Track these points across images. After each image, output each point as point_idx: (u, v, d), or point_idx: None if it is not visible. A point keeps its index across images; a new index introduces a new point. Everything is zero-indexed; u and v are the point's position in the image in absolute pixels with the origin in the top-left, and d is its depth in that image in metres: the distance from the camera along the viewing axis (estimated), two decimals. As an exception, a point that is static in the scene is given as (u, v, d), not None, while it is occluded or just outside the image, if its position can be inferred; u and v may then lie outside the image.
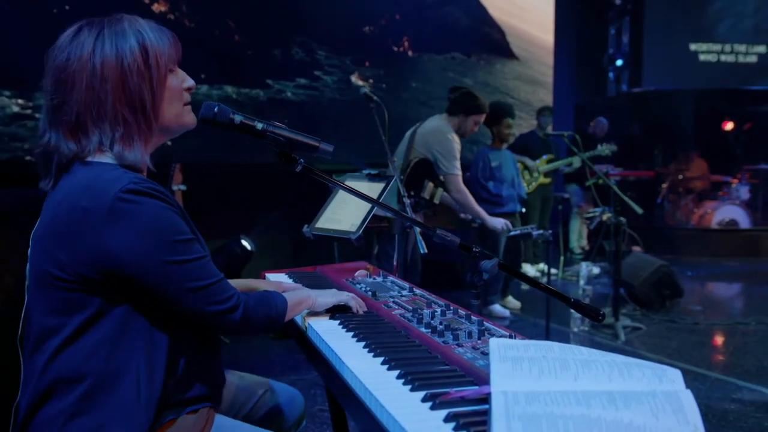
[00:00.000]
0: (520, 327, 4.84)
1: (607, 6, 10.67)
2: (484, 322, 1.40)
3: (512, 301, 5.35)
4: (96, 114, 1.21)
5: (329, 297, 1.57)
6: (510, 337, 1.30)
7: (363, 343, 1.32)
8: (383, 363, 1.19)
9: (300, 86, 5.91)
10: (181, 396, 1.27)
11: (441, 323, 1.40)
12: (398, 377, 1.12)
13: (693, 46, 10.25)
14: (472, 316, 1.46)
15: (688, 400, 0.88)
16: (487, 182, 4.95)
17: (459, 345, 1.27)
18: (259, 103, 5.60)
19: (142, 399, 1.20)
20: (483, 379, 1.09)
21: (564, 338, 4.52)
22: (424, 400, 1.01)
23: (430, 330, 1.37)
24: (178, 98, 1.32)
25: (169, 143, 1.53)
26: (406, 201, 2.99)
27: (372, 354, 1.25)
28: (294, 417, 1.69)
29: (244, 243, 4.76)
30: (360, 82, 6.30)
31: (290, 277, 2.07)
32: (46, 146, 1.24)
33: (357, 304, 1.58)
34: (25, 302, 1.27)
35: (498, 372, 0.98)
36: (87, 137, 1.22)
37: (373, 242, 4.61)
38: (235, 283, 1.74)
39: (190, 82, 1.35)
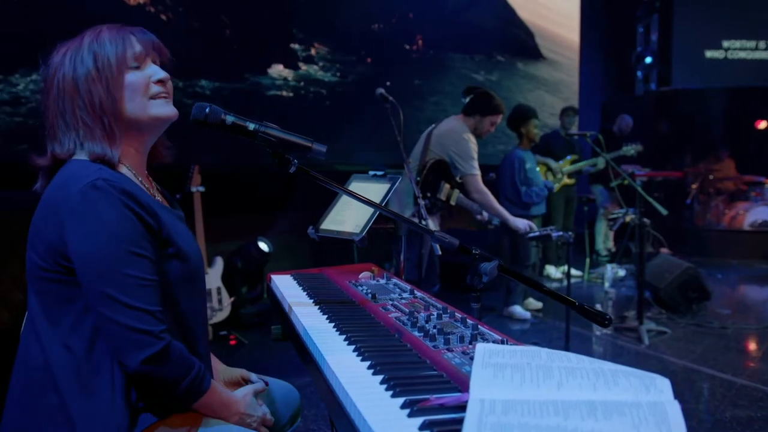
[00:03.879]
0: (540, 329, 4.77)
1: (635, 3, 10.46)
2: (479, 326, 1.36)
3: (533, 303, 5.28)
4: (63, 124, 1.32)
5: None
6: (502, 342, 1.26)
7: (353, 347, 1.29)
8: (369, 367, 1.17)
9: (289, 80, 5.75)
10: (161, 400, 1.26)
11: (435, 327, 1.36)
12: (381, 382, 1.09)
13: (725, 43, 9.98)
14: (468, 320, 1.43)
15: (674, 412, 0.84)
16: (522, 186, 4.95)
17: (449, 350, 1.24)
18: (242, 98, 5.45)
19: (116, 400, 1.20)
20: (468, 386, 1.05)
21: (586, 341, 4.43)
22: (403, 406, 0.98)
23: (422, 334, 1.34)
24: (142, 92, 1.34)
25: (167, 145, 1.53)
26: (421, 202, 2.96)
27: (360, 358, 1.23)
28: (289, 414, 1.68)
29: (261, 245, 4.78)
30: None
31: (295, 279, 2.06)
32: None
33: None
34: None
35: (478, 379, 0.95)
36: (60, 144, 1.32)
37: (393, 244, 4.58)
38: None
39: (160, 74, 1.36)
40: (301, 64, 5.86)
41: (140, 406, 1.24)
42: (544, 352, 1.03)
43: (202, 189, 4.20)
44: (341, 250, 4.76)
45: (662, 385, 0.90)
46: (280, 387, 1.69)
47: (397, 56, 6.81)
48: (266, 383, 1.61)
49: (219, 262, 4.35)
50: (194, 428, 1.28)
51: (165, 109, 1.37)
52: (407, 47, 6.90)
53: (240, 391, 1.45)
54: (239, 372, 1.67)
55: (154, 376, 1.21)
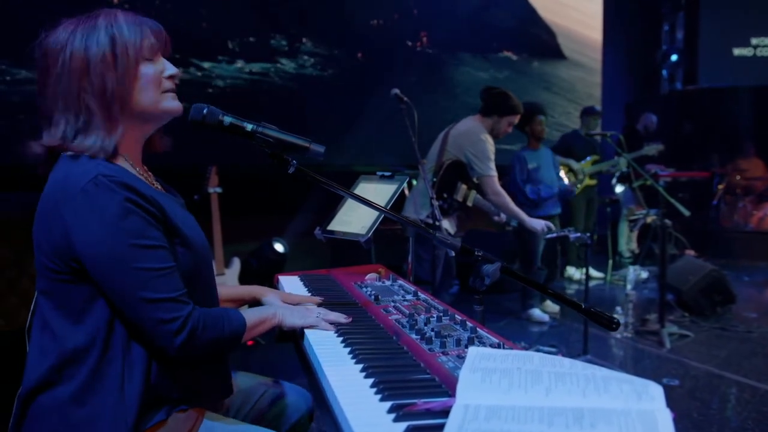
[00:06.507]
0: (559, 332, 4.70)
1: (660, 1, 10.26)
2: (477, 330, 1.34)
3: (551, 305, 5.20)
4: (63, 104, 1.26)
5: (297, 318, 1.48)
6: (498, 345, 1.24)
7: (349, 349, 1.28)
8: (362, 370, 1.15)
9: (251, 73, 5.48)
10: (168, 394, 1.27)
11: (432, 329, 1.35)
12: (372, 385, 1.07)
13: (754, 41, 9.74)
14: (468, 323, 1.40)
15: (664, 420, 0.81)
16: (525, 185, 4.87)
17: (444, 353, 1.22)
18: (226, 94, 5.23)
19: (125, 395, 1.21)
20: (459, 390, 1.03)
21: (605, 344, 4.36)
22: (390, 410, 0.96)
23: (419, 336, 1.32)
24: (155, 86, 1.33)
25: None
26: (435, 203, 2.93)
27: (354, 360, 1.22)
28: (297, 416, 1.66)
29: (276, 246, 4.79)
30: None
31: (302, 280, 2.06)
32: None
33: (328, 326, 1.47)
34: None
35: (465, 383, 0.93)
36: (56, 126, 1.27)
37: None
38: (232, 290, 1.73)
39: (171, 70, 1.36)
40: (293, 61, 5.70)
41: (149, 399, 1.24)
42: (537, 356, 1.00)
43: (219, 190, 4.23)
44: (358, 251, 4.73)
45: (655, 393, 0.87)
46: (290, 390, 1.67)
47: (398, 54, 6.62)
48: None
49: (236, 263, 4.37)
50: (196, 426, 1.28)
51: (174, 104, 1.37)
52: (409, 44, 6.76)
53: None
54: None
55: (197, 352, 1.24)
